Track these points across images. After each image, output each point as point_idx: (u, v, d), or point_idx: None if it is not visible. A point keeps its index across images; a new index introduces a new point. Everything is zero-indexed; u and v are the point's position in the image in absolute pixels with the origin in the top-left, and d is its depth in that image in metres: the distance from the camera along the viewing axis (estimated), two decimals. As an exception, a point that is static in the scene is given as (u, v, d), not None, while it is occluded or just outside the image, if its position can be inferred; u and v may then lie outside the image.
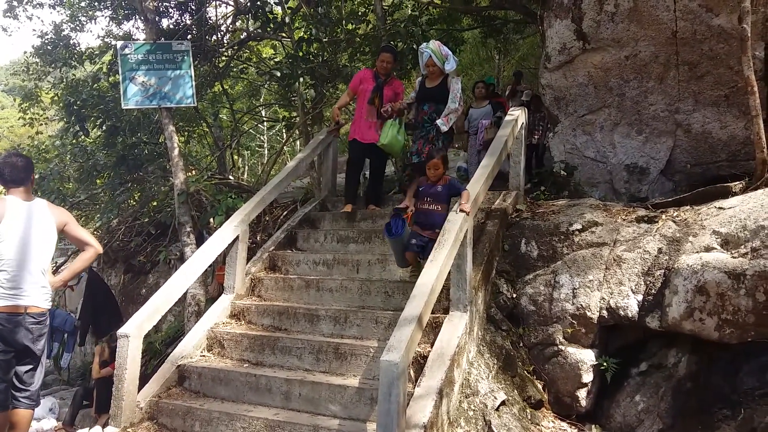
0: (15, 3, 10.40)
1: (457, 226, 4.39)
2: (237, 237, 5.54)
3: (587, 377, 4.96)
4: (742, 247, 4.57)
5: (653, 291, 4.81)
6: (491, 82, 8.83)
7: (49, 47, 10.60)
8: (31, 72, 11.93)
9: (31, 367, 4.06)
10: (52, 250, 4.18)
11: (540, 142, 9.41)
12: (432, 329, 4.49)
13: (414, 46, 8.97)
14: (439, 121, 6.07)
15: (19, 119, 12.72)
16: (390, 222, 4.84)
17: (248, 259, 5.91)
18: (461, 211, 4.51)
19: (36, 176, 9.51)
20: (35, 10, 11.28)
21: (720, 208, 5.12)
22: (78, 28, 10.95)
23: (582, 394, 4.98)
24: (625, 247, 5.17)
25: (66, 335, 8.03)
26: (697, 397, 4.49)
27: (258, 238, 8.09)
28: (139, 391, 4.52)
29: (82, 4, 10.88)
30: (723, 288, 4.36)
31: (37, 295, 4.01)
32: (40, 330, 4.03)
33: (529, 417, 4.67)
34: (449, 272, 4.44)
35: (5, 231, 3.89)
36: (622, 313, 4.89)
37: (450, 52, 6.20)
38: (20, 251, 3.93)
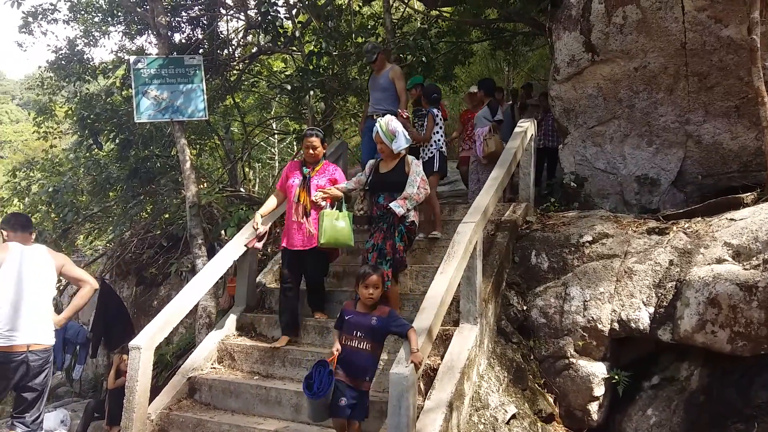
0: (30, 19, 10.54)
1: (466, 237, 4.40)
2: (248, 249, 5.57)
3: (599, 390, 4.92)
4: (754, 258, 4.54)
5: (665, 303, 4.78)
6: (419, 82, 7.32)
7: (63, 62, 10.74)
8: (45, 86, 12.09)
9: (33, 398, 4.19)
10: (53, 289, 4.42)
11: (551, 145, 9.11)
12: (442, 342, 4.48)
13: (423, 59, 9.04)
14: (393, 204, 4.59)
15: (33, 133, 12.87)
16: (312, 373, 3.62)
17: (259, 271, 5.94)
18: (411, 362, 3.49)
19: (50, 189, 9.74)
20: (50, 25, 11.48)
21: (731, 219, 5.09)
22: (91, 43, 11.09)
23: (593, 407, 4.94)
24: (636, 259, 5.14)
25: (78, 347, 8.09)
26: (710, 410, 4.44)
27: (269, 249, 8.12)
28: (150, 403, 4.54)
29: (96, 19, 11.03)
30: (735, 300, 4.33)
31: (38, 332, 4.16)
32: (41, 366, 4.18)
33: (539, 431, 4.64)
34: (459, 284, 4.44)
35: (5, 274, 4.09)
36: (633, 325, 4.86)
37: (399, 129, 4.89)
38: (20, 292, 4.12)
